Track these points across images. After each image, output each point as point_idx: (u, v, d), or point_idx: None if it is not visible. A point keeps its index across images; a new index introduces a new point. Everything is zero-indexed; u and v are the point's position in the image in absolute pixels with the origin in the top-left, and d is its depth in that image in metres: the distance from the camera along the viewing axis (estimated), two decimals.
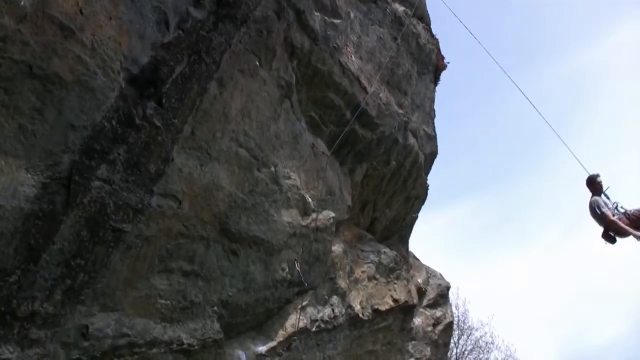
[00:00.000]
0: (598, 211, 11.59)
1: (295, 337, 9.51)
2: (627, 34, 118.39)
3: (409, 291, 13.88)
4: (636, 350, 79.29)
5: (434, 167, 16.41)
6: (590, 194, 11.95)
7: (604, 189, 12.03)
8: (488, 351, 34.03)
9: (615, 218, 11.34)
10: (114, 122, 5.70)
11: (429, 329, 15.39)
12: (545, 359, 73.46)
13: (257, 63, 8.07)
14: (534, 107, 12.53)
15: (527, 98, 12.08)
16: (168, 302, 7.18)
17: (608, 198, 11.91)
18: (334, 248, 10.93)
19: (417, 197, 15.54)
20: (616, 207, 11.58)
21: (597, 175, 12.04)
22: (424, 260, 16.86)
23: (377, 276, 12.69)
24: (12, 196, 4.94)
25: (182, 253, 7.24)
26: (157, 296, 7.02)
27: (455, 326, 27.10)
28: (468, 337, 33.57)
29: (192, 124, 6.92)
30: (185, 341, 7.46)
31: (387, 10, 12.63)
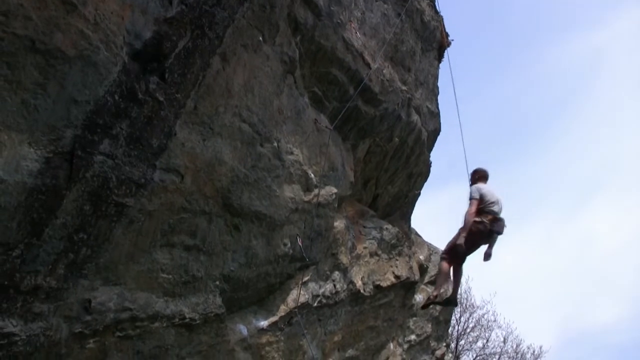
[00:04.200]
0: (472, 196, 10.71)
1: (297, 312, 9.57)
2: (627, 21, 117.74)
3: (411, 267, 13.95)
4: (634, 333, 79.72)
5: (438, 145, 16.37)
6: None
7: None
8: (490, 329, 34.11)
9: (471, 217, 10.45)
10: (116, 97, 5.70)
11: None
12: (545, 338, 73.98)
13: (261, 38, 8.04)
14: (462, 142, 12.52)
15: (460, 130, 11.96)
16: (170, 276, 7.23)
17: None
18: (336, 224, 10.96)
19: (419, 174, 15.55)
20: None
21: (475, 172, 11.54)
22: (426, 237, 16.92)
23: (379, 252, 12.74)
24: (15, 171, 4.96)
25: (185, 228, 7.27)
26: (159, 270, 7.06)
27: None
28: (470, 315, 33.65)
29: (195, 99, 6.91)
30: (187, 315, 7.52)
31: None
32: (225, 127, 7.55)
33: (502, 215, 10.65)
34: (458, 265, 11.20)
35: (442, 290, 10.93)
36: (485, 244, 10.69)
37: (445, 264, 11.01)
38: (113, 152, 5.83)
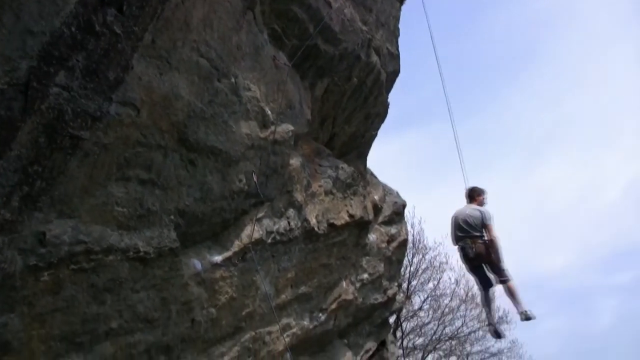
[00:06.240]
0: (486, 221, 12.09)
1: (251, 248, 9.65)
2: None
3: (365, 207, 14.08)
4: (578, 279, 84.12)
5: (400, 90, 16.42)
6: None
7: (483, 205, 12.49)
8: (441, 271, 34.74)
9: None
10: (73, 29, 5.61)
11: (383, 245, 15.65)
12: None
13: None
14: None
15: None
16: (125, 209, 7.23)
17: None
18: (291, 161, 10.99)
19: (377, 114, 15.57)
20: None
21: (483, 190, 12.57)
22: (383, 178, 17.03)
23: (334, 191, 12.83)
24: None
25: (140, 161, 7.25)
26: (114, 204, 7.05)
27: (410, 244, 27.55)
28: (423, 256, 34.14)
29: (153, 32, 6.84)
30: (141, 249, 7.54)
31: None
32: (182, 62, 7.50)
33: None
34: (503, 284, 12.49)
35: (494, 314, 12.36)
36: (484, 260, 12.18)
37: (481, 294, 13.06)
38: (69, 85, 5.77)
